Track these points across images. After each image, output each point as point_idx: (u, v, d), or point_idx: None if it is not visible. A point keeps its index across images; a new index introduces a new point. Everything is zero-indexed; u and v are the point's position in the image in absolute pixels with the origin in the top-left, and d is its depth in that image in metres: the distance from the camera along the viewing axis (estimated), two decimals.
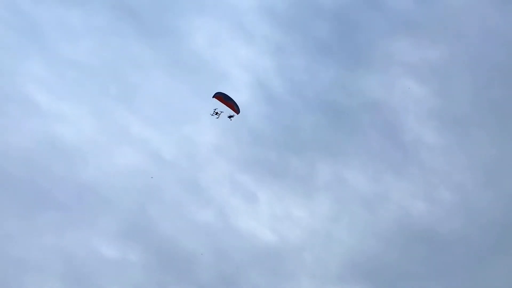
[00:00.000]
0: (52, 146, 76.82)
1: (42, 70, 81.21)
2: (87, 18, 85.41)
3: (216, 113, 62.93)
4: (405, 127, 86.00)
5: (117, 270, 69.64)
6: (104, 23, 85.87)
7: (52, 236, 69.84)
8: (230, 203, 78.17)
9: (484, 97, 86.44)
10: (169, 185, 78.23)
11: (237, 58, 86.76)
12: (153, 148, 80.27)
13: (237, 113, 61.33)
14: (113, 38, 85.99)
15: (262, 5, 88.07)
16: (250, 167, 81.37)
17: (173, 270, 71.40)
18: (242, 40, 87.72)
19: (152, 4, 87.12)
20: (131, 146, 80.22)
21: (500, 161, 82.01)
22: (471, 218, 77.56)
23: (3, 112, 77.01)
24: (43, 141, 76.77)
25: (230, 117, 62.40)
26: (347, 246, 77.28)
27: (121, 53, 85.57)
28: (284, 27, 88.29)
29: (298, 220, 78.89)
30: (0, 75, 79.06)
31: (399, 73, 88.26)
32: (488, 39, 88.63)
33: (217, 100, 60.33)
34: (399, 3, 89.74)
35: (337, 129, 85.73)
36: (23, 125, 76.97)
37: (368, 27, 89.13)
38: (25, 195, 71.72)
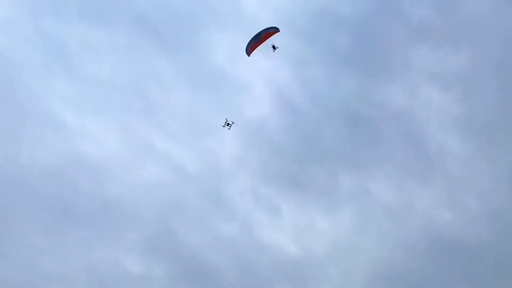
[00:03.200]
0: (78, 162, 78.56)
1: (68, 88, 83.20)
2: (110, 36, 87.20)
3: (228, 124, 63.42)
4: (429, 136, 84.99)
5: (143, 284, 70.48)
6: (127, 41, 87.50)
7: (78, 251, 71.24)
8: (253, 215, 78.54)
9: (509, 104, 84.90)
10: (193, 198, 79.10)
11: (257, 71, 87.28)
12: (176, 162, 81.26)
13: (278, 31, 58.63)
14: (136, 55, 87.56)
15: (281, 17, 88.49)
16: (272, 179, 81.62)
17: (198, 283, 71.91)
18: (262, 52, 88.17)
19: (173, 20, 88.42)
20: (155, 160, 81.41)
21: None
22: (498, 227, 76.11)
23: (31, 130, 79.18)
24: (69, 157, 78.61)
25: (274, 48, 60.92)
26: (372, 257, 76.63)
27: (144, 69, 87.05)
28: (303, 38, 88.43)
29: (322, 231, 78.69)
30: (27, 94, 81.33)
31: (421, 81, 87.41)
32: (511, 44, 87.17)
33: (254, 49, 58.56)
34: (419, 11, 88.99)
35: (359, 139, 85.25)
36: (50, 142, 78.97)
37: (388, 36, 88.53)
38: (52, 211, 73.45)
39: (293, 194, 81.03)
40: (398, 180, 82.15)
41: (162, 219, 76.18)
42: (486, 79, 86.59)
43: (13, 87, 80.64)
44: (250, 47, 58.47)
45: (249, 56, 58.99)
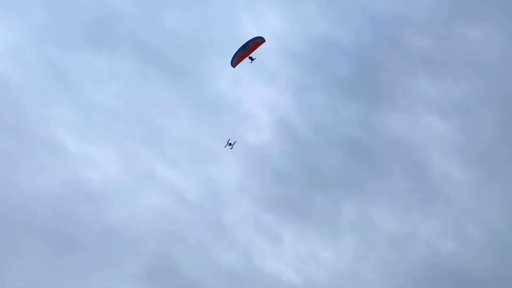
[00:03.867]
0: (79, 189, 78.19)
1: (70, 114, 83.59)
2: (113, 63, 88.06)
3: (230, 144, 63.34)
4: (430, 164, 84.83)
5: None
6: (130, 68, 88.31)
7: (77, 278, 70.27)
8: (254, 244, 77.70)
9: (509, 132, 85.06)
10: (193, 226, 78.45)
11: (259, 99, 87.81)
12: (177, 189, 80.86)
13: (264, 41, 57.28)
14: (138, 82, 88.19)
15: (283, 46, 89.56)
16: (273, 207, 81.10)
17: None
18: (264, 80, 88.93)
19: (176, 48, 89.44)
20: (156, 188, 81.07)
21: None
22: (502, 256, 75.22)
23: (32, 155, 79.09)
24: (70, 184, 78.29)
25: (251, 59, 58.75)
26: (375, 286, 75.56)
27: (146, 96, 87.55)
28: (305, 67, 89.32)
29: (323, 260, 77.75)
30: (30, 120, 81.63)
31: (422, 110, 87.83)
32: (510, 73, 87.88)
33: (240, 61, 57.07)
34: (419, 41, 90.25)
35: (361, 167, 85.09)
36: (51, 168, 78.82)
37: (389, 65, 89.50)
38: (50, 238, 72.77)
39: (294, 222, 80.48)
40: (401, 209, 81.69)
41: (162, 247, 75.41)
42: (486, 108, 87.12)
43: (16, 113, 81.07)
44: (237, 58, 57.21)
45: (234, 67, 58.12)
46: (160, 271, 73.40)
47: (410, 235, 79.61)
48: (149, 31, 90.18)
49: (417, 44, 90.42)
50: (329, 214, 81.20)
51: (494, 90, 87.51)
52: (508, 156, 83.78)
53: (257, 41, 57.04)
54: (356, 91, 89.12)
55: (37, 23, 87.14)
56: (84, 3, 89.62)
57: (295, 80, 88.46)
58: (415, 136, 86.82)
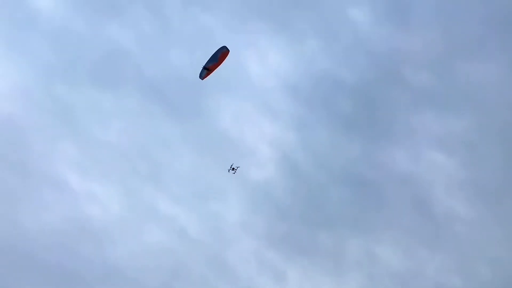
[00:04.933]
0: (81, 226, 77.91)
1: (74, 152, 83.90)
2: (118, 101, 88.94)
3: (233, 168, 63.39)
4: (436, 200, 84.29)
5: None
6: (134, 105, 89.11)
7: None
8: (257, 281, 76.71)
9: None
10: (196, 263, 77.68)
11: (262, 135, 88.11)
12: (180, 226, 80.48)
13: (228, 51, 55.66)
14: (142, 119, 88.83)
15: (285, 83, 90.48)
16: (277, 243, 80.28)
17: None
18: (267, 117, 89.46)
19: (180, 86, 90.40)
20: (159, 224, 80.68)
21: None
22: None
23: (35, 192, 79.23)
24: (73, 222, 78.05)
25: (206, 69, 57.08)
26: None
27: (150, 133, 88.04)
28: (307, 103, 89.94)
29: None
30: (34, 156, 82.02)
31: (425, 145, 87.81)
32: None
33: (208, 74, 56.50)
34: (421, 77, 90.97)
35: (365, 203, 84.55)
36: (53, 204, 78.72)
37: (391, 101, 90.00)
38: (53, 275, 72.12)
39: (298, 259, 79.54)
40: (406, 245, 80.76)
41: (165, 283, 74.56)
42: (491, 143, 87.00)
43: (20, 150, 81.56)
44: (207, 73, 57.18)
45: (202, 80, 57.68)
46: None
47: (416, 272, 78.57)
48: (154, 69, 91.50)
49: (420, 80, 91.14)
50: (333, 251, 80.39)
51: (497, 125, 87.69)
52: None
53: (223, 51, 57.12)
54: (359, 127, 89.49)
55: (42, 61, 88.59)
56: (89, 41, 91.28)
57: (298, 116, 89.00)
58: (419, 172, 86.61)
